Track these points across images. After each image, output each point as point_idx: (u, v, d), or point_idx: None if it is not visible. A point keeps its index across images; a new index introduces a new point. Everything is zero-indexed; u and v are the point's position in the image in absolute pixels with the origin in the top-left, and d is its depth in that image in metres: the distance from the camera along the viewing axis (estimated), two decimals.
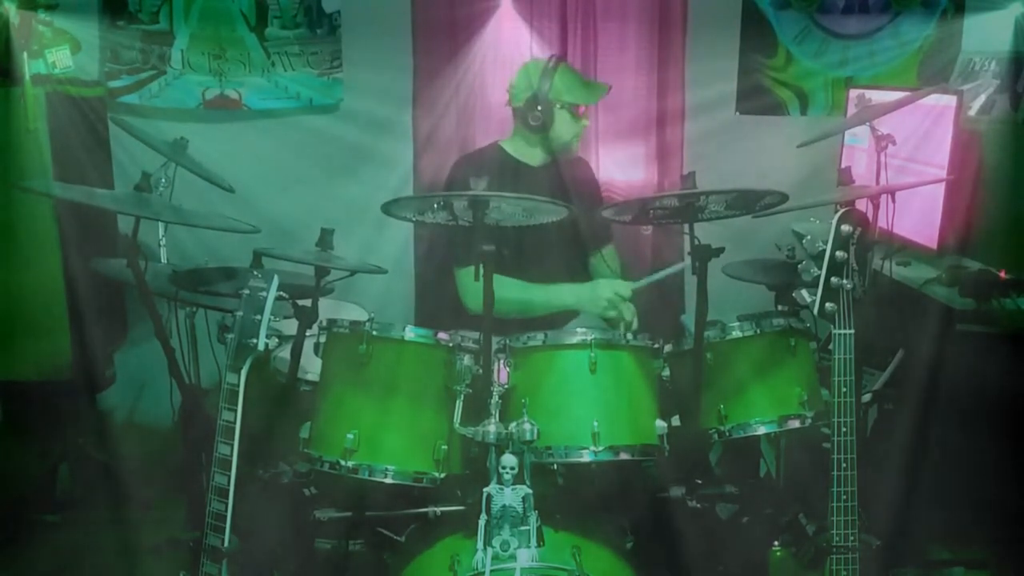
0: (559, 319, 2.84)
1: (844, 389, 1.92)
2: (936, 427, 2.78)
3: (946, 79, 3.64)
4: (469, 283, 2.73)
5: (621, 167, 3.74)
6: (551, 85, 2.83)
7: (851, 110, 3.59)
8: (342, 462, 2.13)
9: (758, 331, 2.31)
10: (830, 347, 1.95)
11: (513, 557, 1.89)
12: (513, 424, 1.96)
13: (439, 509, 2.21)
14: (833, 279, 1.91)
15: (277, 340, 2.18)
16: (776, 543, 2.30)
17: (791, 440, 2.64)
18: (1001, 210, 3.08)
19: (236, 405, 1.93)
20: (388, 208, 2.22)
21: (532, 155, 2.95)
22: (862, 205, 2.41)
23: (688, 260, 2.34)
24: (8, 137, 3.03)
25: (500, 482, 1.92)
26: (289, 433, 2.31)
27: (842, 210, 1.93)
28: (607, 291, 2.70)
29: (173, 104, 3.56)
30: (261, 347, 1.93)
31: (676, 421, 2.32)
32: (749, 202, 2.30)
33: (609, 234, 3.11)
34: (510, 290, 2.63)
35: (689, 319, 2.39)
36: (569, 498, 2.28)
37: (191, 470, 2.51)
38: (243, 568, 2.00)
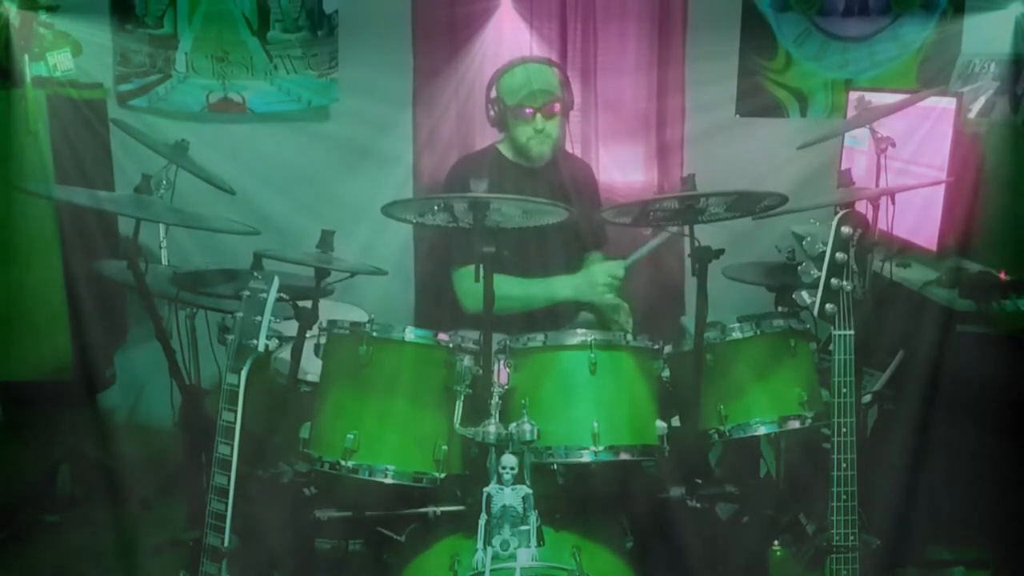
0: (560, 319, 2.84)
1: (844, 390, 1.92)
2: (936, 428, 2.78)
3: (946, 81, 3.64)
4: (466, 284, 2.73)
5: (621, 168, 3.75)
6: (497, 87, 2.88)
7: (851, 112, 3.59)
8: (342, 462, 2.13)
9: (758, 332, 2.31)
10: (830, 348, 1.95)
11: (513, 557, 1.89)
12: (513, 424, 1.96)
13: (439, 509, 2.21)
14: (833, 280, 1.91)
15: (277, 341, 2.18)
16: (776, 543, 2.30)
17: (791, 440, 2.64)
18: (1001, 212, 3.08)
19: (236, 406, 1.93)
20: (388, 210, 2.22)
21: (524, 157, 2.95)
22: (862, 207, 2.41)
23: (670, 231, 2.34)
24: (9, 139, 3.03)
25: (500, 482, 1.92)
26: (289, 434, 2.31)
27: (842, 212, 1.93)
28: (601, 275, 2.74)
29: (179, 107, 3.57)
30: (261, 348, 1.94)
31: (676, 421, 2.32)
32: (749, 204, 2.30)
33: (603, 238, 3.10)
34: (507, 287, 2.64)
35: (689, 320, 2.40)
36: (569, 498, 2.28)
37: (191, 470, 2.51)
38: (243, 568, 2.00)
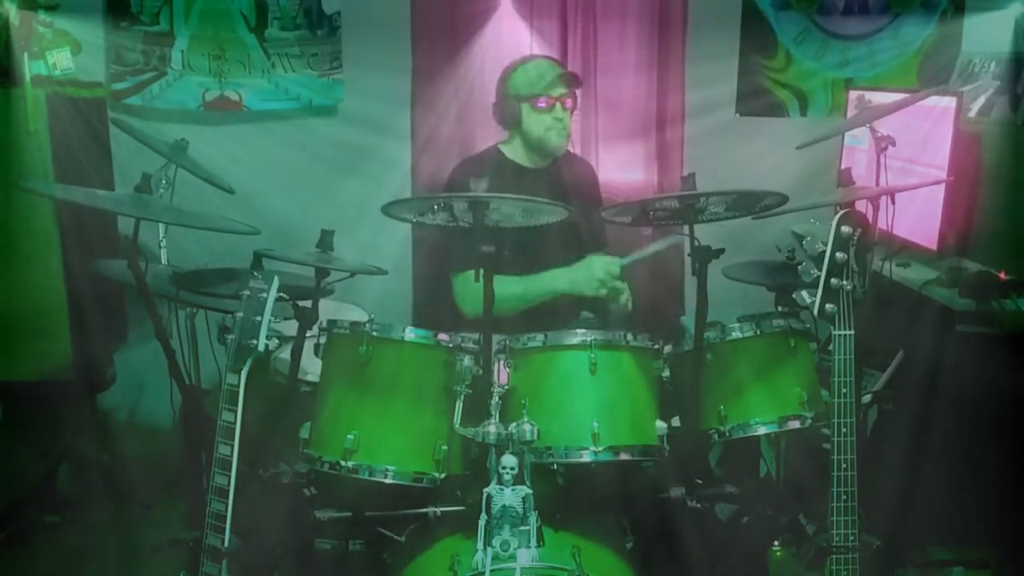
0: (559, 319, 2.84)
1: (844, 390, 1.92)
2: (936, 428, 2.78)
3: (946, 80, 3.65)
4: (465, 288, 2.73)
5: (621, 168, 3.75)
6: (509, 82, 2.86)
7: (851, 111, 3.59)
8: (342, 462, 2.13)
9: (758, 332, 2.31)
10: (830, 348, 1.95)
11: (513, 557, 1.89)
12: (513, 425, 1.96)
13: (439, 509, 2.21)
14: (833, 280, 1.91)
15: (277, 341, 2.18)
16: (776, 543, 2.31)
17: (791, 441, 2.64)
18: (1001, 211, 3.09)
19: (236, 406, 1.93)
20: (388, 209, 2.22)
21: (528, 157, 2.95)
22: (862, 206, 2.41)
23: (675, 237, 2.35)
24: (9, 138, 3.03)
25: (500, 482, 1.92)
26: (289, 434, 2.31)
27: (842, 211, 1.93)
28: (598, 270, 2.77)
29: (174, 105, 3.57)
30: (261, 348, 1.93)
31: (676, 422, 2.32)
32: (749, 203, 2.30)
33: (604, 238, 3.10)
34: (505, 286, 2.64)
35: (689, 320, 2.39)
36: (569, 498, 2.28)
37: (191, 470, 2.51)
38: (243, 568, 2.00)
